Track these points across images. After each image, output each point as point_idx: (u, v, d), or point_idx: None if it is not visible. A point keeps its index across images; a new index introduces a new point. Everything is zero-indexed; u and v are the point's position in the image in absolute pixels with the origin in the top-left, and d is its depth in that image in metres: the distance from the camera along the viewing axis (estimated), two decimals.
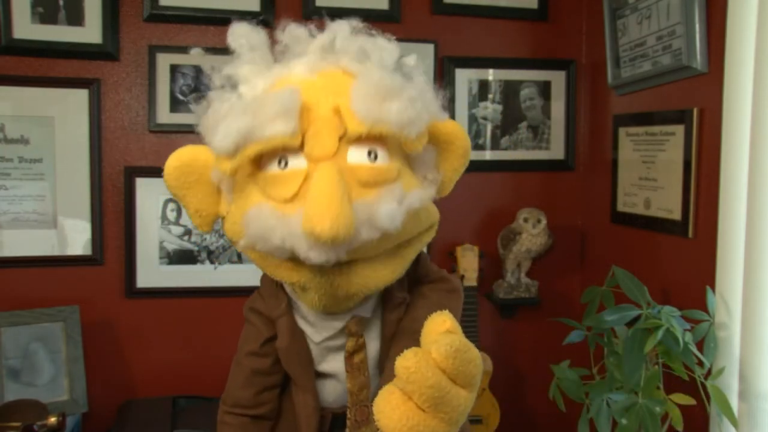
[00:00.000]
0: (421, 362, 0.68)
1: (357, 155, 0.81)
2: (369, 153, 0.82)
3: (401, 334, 0.96)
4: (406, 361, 0.69)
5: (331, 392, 1.00)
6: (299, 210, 0.76)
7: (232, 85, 0.88)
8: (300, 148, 0.81)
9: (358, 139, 0.81)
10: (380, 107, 0.80)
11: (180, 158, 0.89)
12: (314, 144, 0.81)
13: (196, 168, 0.89)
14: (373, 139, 0.82)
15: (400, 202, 0.81)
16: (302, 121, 0.81)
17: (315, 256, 0.76)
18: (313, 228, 0.72)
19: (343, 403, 0.99)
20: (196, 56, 0.98)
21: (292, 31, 0.90)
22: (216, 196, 0.91)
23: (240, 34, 0.89)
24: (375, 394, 0.76)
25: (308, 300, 0.89)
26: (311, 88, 0.84)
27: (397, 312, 0.97)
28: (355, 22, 0.89)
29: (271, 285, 0.99)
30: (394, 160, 0.85)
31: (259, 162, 0.84)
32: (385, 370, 0.96)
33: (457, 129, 0.95)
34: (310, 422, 0.98)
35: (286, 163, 0.81)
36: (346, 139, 0.81)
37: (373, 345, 0.97)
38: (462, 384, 0.71)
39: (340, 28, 0.89)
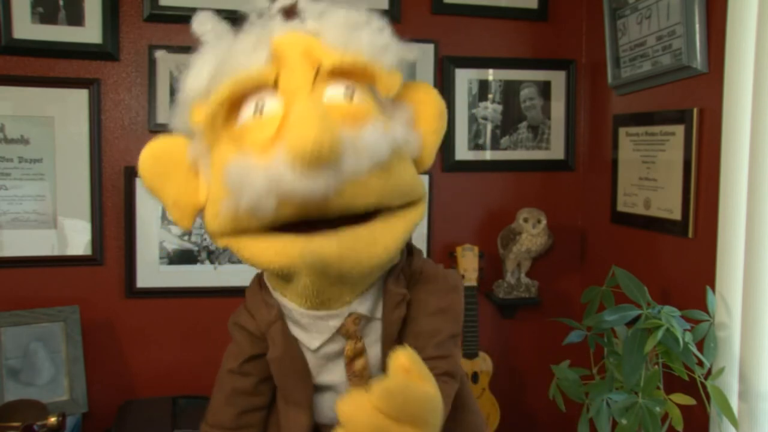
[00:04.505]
0: (357, 406, 0.66)
1: (334, 93, 0.81)
2: (346, 90, 0.82)
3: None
4: (344, 405, 0.67)
5: (330, 407, 0.93)
6: (279, 149, 0.74)
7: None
8: (274, 87, 0.81)
9: (334, 74, 0.81)
10: (351, 36, 0.82)
11: (154, 147, 0.87)
12: (289, 79, 0.81)
13: (172, 156, 0.87)
14: (348, 76, 0.82)
15: (384, 133, 0.80)
16: (275, 63, 0.82)
17: (302, 187, 0.73)
18: (295, 147, 0.70)
19: None
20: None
21: (255, 4, 0.90)
22: (194, 182, 0.87)
23: (204, 21, 0.89)
24: None
25: (299, 292, 0.85)
26: (280, 40, 0.85)
27: (399, 310, 0.91)
28: None
29: (258, 295, 0.94)
30: (372, 102, 0.85)
31: (235, 119, 0.82)
32: None
33: (429, 88, 0.95)
34: None
35: (262, 110, 0.80)
36: (322, 74, 0.81)
37: (374, 349, 0.92)
38: (406, 422, 0.67)
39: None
